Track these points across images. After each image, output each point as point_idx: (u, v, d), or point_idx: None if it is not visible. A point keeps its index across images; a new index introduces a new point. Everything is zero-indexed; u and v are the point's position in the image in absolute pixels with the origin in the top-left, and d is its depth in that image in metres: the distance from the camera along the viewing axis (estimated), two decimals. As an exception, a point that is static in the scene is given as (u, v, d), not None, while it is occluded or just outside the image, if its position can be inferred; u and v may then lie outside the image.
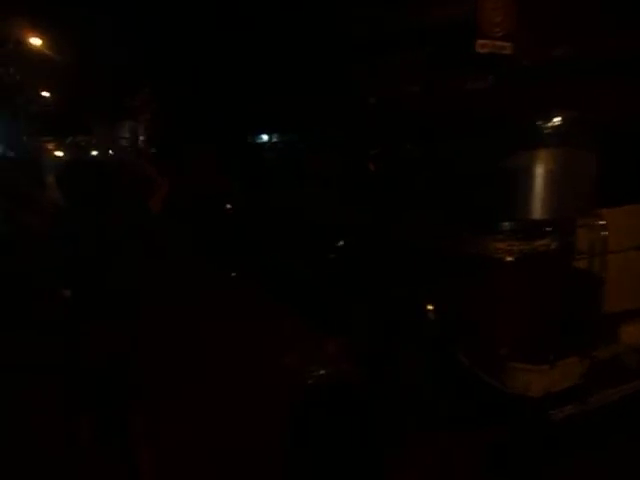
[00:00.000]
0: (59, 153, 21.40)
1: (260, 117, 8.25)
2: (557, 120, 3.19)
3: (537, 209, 3.31)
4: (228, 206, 7.85)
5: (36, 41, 16.38)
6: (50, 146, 21.68)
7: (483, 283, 3.51)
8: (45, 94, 21.20)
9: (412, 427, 3.77)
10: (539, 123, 3.18)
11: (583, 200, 3.34)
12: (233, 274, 7.28)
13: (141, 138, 19.24)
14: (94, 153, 22.17)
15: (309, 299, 5.36)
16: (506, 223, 3.38)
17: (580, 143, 3.24)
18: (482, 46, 7.64)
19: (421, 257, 3.86)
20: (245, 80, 11.89)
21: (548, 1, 7.35)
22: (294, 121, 6.35)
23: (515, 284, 3.44)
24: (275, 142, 6.72)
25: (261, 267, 6.68)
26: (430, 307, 3.88)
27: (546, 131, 3.17)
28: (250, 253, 7.02)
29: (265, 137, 6.84)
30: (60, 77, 18.74)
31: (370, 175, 4.43)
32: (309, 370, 4.01)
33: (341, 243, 4.71)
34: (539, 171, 3.22)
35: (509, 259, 3.37)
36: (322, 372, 4.05)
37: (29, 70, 17.25)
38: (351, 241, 4.63)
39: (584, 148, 3.25)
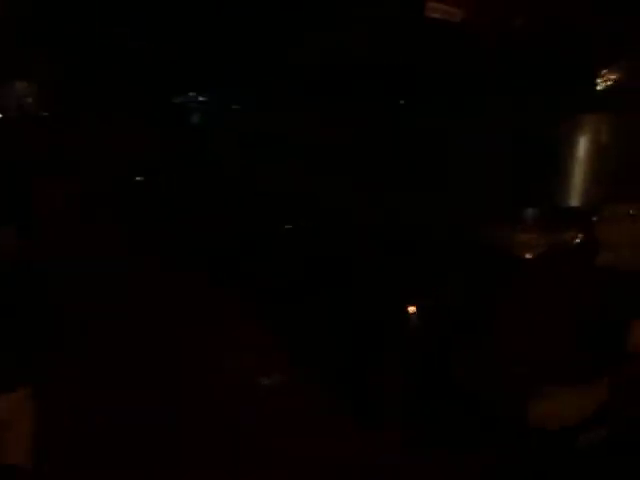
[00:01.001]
0: None
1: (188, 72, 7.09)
2: (612, 72, 2.53)
3: (571, 192, 2.65)
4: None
5: None
6: None
7: (496, 282, 2.82)
8: None
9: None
10: (587, 74, 2.50)
11: (625, 180, 2.71)
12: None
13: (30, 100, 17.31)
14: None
15: (257, 291, 4.50)
16: (532, 210, 2.70)
17: (628, 110, 2.61)
18: (432, 10, 7.13)
19: (419, 247, 3.11)
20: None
21: None
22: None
23: (538, 284, 2.77)
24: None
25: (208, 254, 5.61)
26: (417, 309, 3.17)
27: (596, 88, 2.50)
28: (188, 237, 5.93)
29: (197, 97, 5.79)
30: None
31: (350, 138, 3.61)
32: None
33: (307, 224, 3.88)
34: (582, 142, 2.56)
35: (531, 254, 2.71)
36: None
37: None
38: (320, 221, 3.80)
39: (631, 116, 2.62)
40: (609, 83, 2.49)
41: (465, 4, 7.16)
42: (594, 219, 2.73)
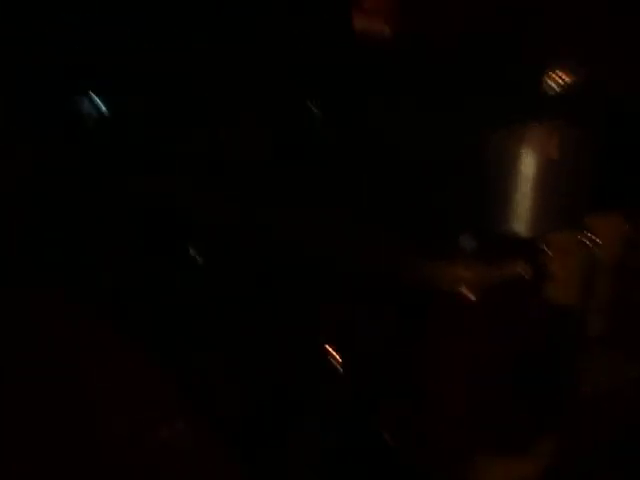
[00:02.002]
0: None
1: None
2: (556, 77, 2.08)
3: (516, 216, 2.18)
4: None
5: None
6: None
7: (430, 326, 2.31)
8: None
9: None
10: (529, 81, 2.04)
11: (576, 202, 2.27)
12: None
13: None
14: None
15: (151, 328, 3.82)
16: (467, 239, 2.21)
17: (581, 118, 2.16)
18: (358, 22, 6.84)
19: (330, 282, 2.55)
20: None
21: None
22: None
23: (479, 328, 2.29)
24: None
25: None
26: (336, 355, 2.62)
27: (542, 92, 2.04)
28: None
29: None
30: None
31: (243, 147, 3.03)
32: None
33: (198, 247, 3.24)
34: (525, 156, 2.09)
35: (471, 293, 2.22)
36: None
37: None
38: (214, 244, 3.17)
39: (585, 126, 2.18)
40: (558, 87, 2.03)
41: (392, 20, 6.91)
42: (542, 248, 2.30)
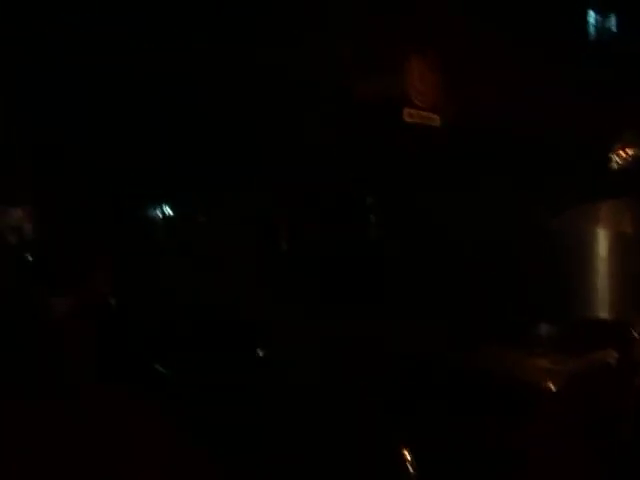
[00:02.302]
0: None
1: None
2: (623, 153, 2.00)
3: (596, 300, 2.03)
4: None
5: None
6: None
7: (506, 419, 2.13)
8: None
9: None
10: (607, 159, 1.97)
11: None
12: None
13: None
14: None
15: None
16: (546, 326, 2.07)
17: None
18: (409, 115, 7.00)
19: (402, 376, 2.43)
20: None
21: (478, 71, 6.82)
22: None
23: (562, 419, 2.09)
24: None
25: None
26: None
27: (617, 172, 1.95)
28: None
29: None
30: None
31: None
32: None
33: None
34: (601, 238, 1.98)
35: (552, 384, 2.05)
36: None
37: None
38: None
39: None
40: (626, 162, 1.94)
41: (444, 108, 7.03)
42: (631, 333, 2.12)
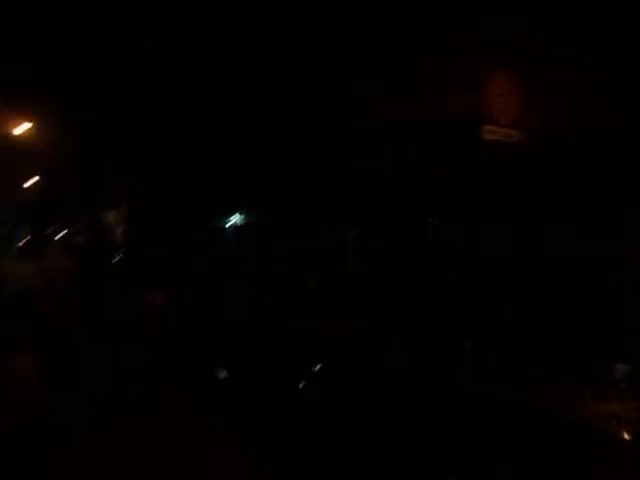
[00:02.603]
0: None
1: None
2: None
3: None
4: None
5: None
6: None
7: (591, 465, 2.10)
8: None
9: None
10: None
11: None
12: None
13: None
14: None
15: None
16: (624, 368, 2.05)
17: None
18: (490, 132, 6.92)
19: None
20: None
21: (555, 88, 6.65)
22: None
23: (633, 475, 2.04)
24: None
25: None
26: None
27: None
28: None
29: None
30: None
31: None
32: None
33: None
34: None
35: (624, 432, 2.01)
36: None
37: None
38: None
39: None
40: None
41: (524, 124, 6.90)
42: None
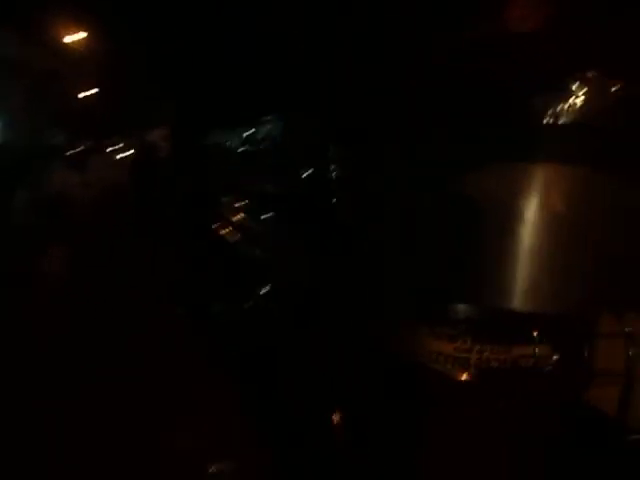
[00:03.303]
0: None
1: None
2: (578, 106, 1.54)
3: (526, 287, 1.66)
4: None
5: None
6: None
7: (425, 401, 1.86)
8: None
9: None
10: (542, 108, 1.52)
11: (617, 278, 1.68)
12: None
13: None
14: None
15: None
16: (462, 308, 1.74)
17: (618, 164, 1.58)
18: None
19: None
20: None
21: None
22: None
23: (465, 424, 1.79)
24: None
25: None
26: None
27: (553, 129, 1.51)
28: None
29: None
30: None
31: None
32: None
33: None
34: (532, 211, 1.57)
35: (460, 374, 1.74)
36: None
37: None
38: None
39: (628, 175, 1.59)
40: (566, 115, 1.48)
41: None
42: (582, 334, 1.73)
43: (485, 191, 1.51)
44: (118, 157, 20.44)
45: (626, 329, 1.64)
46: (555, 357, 1.74)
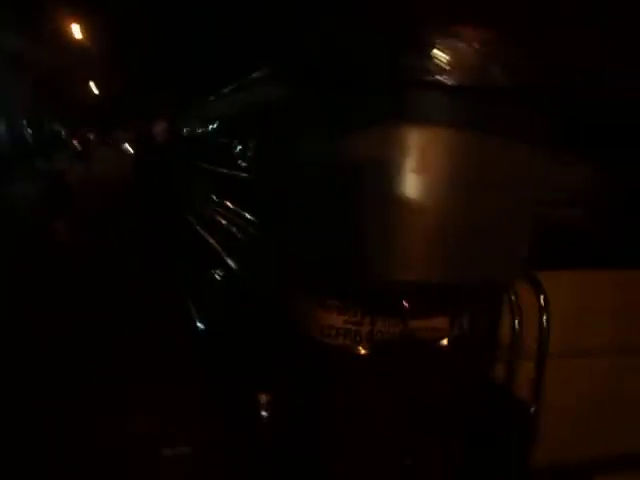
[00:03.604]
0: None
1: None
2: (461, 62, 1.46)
3: (411, 257, 1.59)
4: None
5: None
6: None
7: (324, 377, 1.80)
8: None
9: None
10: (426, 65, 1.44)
11: (512, 247, 1.61)
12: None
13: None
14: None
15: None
16: (351, 279, 1.67)
17: (520, 124, 1.50)
18: None
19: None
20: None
21: None
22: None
23: (368, 382, 1.74)
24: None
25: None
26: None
27: (440, 84, 1.43)
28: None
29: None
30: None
31: None
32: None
33: None
34: (409, 176, 1.50)
35: (352, 347, 1.69)
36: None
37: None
38: None
39: (527, 137, 1.51)
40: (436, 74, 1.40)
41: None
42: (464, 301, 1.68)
43: (362, 157, 1.45)
44: (122, 148, 20.50)
45: (512, 298, 1.58)
46: (454, 330, 1.69)
